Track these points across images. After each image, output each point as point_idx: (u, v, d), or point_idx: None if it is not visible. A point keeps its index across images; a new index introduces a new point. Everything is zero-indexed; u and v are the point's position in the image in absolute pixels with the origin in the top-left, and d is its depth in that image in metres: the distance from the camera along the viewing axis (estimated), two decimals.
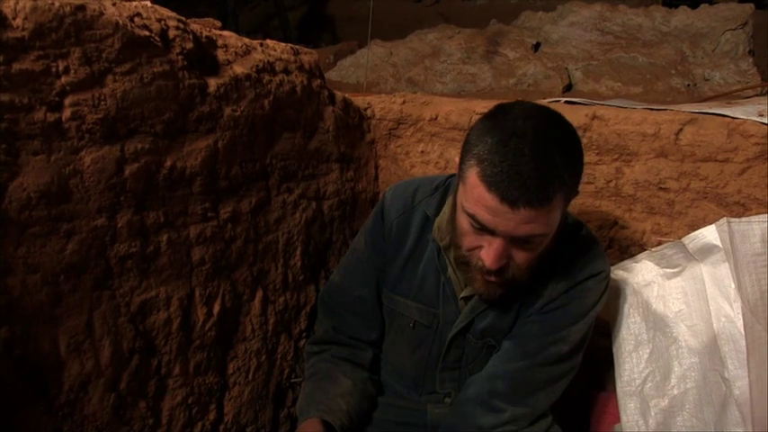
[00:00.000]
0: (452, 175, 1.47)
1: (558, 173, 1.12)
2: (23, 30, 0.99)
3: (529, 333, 1.36)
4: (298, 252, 1.73)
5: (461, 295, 1.40)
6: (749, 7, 2.98)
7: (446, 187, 1.46)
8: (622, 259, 1.67)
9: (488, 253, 1.18)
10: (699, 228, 1.45)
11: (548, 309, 1.35)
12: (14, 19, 0.98)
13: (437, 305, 1.43)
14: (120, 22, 1.14)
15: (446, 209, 1.39)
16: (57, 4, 1.02)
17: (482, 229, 1.17)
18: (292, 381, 1.76)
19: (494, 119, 1.19)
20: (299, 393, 1.53)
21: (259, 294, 1.61)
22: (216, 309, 1.47)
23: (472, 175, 1.14)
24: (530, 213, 1.10)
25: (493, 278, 1.24)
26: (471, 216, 1.17)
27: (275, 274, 1.66)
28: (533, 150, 1.10)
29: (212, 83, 1.37)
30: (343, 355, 1.53)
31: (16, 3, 0.98)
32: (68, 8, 1.04)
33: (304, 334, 1.79)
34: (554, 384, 1.36)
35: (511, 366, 1.35)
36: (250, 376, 1.60)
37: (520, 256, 1.21)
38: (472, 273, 1.27)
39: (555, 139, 1.14)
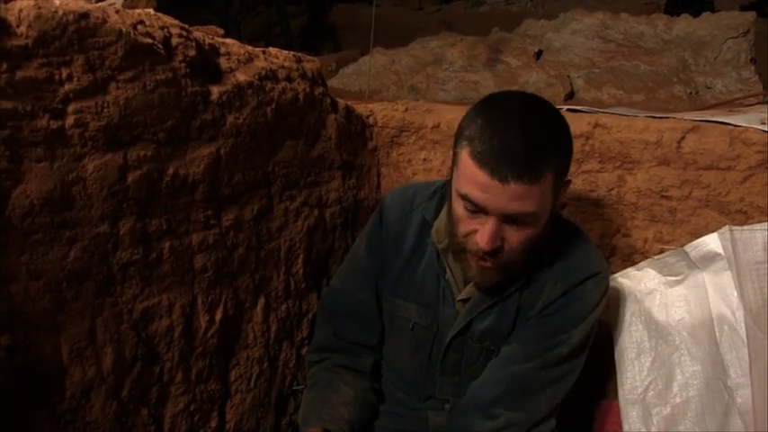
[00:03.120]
0: (449, 180, 1.47)
1: (547, 148, 1.17)
2: (27, 37, 0.99)
3: (528, 337, 1.36)
4: (300, 259, 1.73)
5: (459, 297, 1.40)
6: (751, 15, 2.98)
7: (443, 192, 1.47)
8: (625, 267, 1.66)
9: (482, 234, 1.20)
10: (701, 236, 1.45)
11: (547, 312, 1.36)
12: (18, 26, 0.99)
13: (437, 307, 1.43)
14: (124, 29, 1.14)
15: (444, 212, 1.40)
16: (60, 12, 1.03)
17: (475, 210, 1.20)
18: (294, 388, 1.75)
19: (483, 104, 1.25)
20: (301, 402, 1.53)
21: (261, 302, 1.61)
22: (218, 316, 1.47)
23: (464, 156, 1.19)
24: (520, 188, 1.14)
25: (488, 263, 1.25)
26: (464, 197, 1.20)
27: (277, 281, 1.66)
28: (521, 126, 1.16)
29: (215, 90, 1.38)
30: (344, 364, 1.52)
31: (20, 10, 0.98)
32: (72, 16, 1.04)
33: (306, 341, 1.79)
34: (555, 387, 1.35)
35: (510, 370, 1.34)
36: (252, 383, 1.60)
37: (513, 238, 1.23)
38: (468, 260, 1.28)
39: (542, 118, 1.21)
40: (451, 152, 1.28)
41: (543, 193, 1.18)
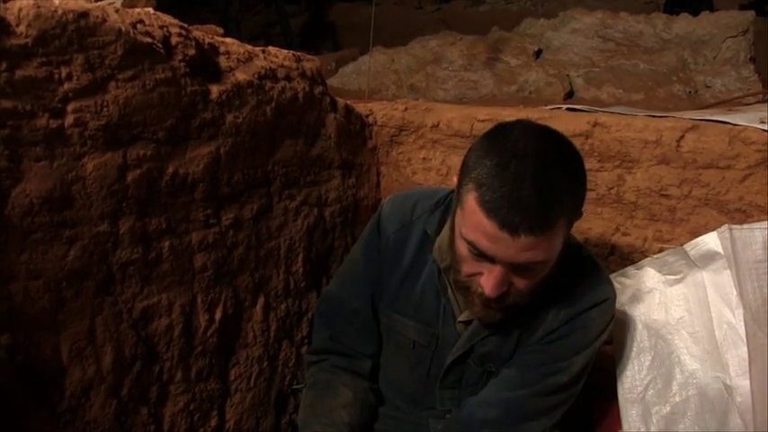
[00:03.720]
0: (454, 191, 1.39)
1: (561, 198, 1.08)
2: (27, 36, 0.99)
3: (528, 363, 1.33)
4: (299, 258, 1.73)
5: (460, 319, 1.37)
6: (750, 14, 2.99)
7: (447, 204, 1.40)
8: (624, 266, 1.66)
9: (488, 281, 1.14)
10: (700, 235, 1.45)
11: (549, 339, 1.31)
12: (18, 26, 0.99)
13: (436, 325, 1.39)
14: (123, 28, 1.14)
15: (447, 229, 1.33)
16: (60, 11, 1.03)
17: (481, 255, 1.13)
18: (294, 387, 1.75)
19: (493, 139, 1.15)
20: (300, 404, 1.52)
21: (261, 301, 1.61)
22: (218, 315, 1.47)
23: (470, 200, 1.10)
24: (531, 240, 1.06)
25: (493, 304, 1.20)
26: (469, 243, 1.13)
27: (277, 280, 1.66)
28: (534, 174, 1.05)
29: (214, 89, 1.37)
30: (343, 365, 1.50)
31: (20, 10, 0.98)
32: (71, 15, 1.04)
33: (306, 340, 1.78)
34: (548, 414, 1.33)
35: (506, 395, 1.32)
36: (252, 383, 1.60)
37: (520, 283, 1.17)
38: (472, 297, 1.23)
39: (557, 162, 1.10)
40: (455, 182, 1.20)
41: (555, 241, 1.12)
